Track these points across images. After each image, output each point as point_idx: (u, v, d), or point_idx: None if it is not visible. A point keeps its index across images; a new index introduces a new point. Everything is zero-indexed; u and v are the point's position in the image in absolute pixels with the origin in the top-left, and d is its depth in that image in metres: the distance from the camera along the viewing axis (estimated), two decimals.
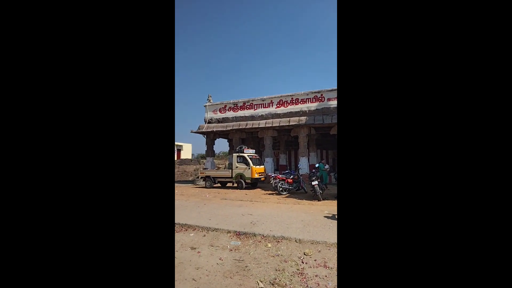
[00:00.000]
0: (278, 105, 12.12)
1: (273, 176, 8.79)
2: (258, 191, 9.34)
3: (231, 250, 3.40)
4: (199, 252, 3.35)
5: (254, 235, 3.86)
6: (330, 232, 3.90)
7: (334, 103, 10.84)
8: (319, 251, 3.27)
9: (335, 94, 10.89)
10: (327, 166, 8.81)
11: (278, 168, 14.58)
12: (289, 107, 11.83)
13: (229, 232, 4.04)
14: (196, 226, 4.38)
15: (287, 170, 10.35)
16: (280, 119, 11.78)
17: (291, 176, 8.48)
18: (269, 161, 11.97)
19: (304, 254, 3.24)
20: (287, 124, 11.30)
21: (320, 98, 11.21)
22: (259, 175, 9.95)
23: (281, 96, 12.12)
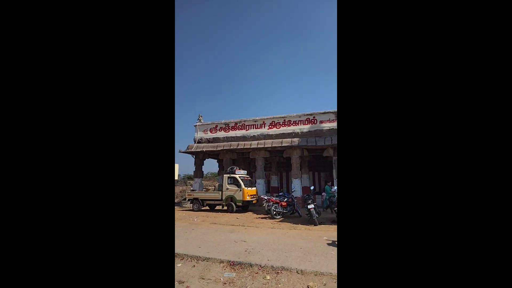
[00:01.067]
0: (270, 126, 12.05)
1: (266, 199, 8.39)
2: (249, 214, 8.85)
3: (225, 283, 2.97)
4: (188, 286, 2.89)
5: (250, 265, 3.44)
6: (333, 261, 3.54)
7: (326, 125, 10.90)
8: (325, 284, 2.90)
9: (327, 116, 11.00)
10: (334, 188, 8.35)
11: (269, 190, 14.16)
12: (282, 128, 11.78)
13: (221, 262, 3.59)
14: (184, 254, 3.90)
15: (280, 192, 9.97)
16: (272, 140, 11.65)
17: (285, 199, 8.12)
18: (260, 182, 11.59)
19: (308, 287, 2.86)
20: (280, 145, 11.16)
21: (313, 120, 11.27)
22: (251, 198, 9.51)
23: (273, 118, 12.10)
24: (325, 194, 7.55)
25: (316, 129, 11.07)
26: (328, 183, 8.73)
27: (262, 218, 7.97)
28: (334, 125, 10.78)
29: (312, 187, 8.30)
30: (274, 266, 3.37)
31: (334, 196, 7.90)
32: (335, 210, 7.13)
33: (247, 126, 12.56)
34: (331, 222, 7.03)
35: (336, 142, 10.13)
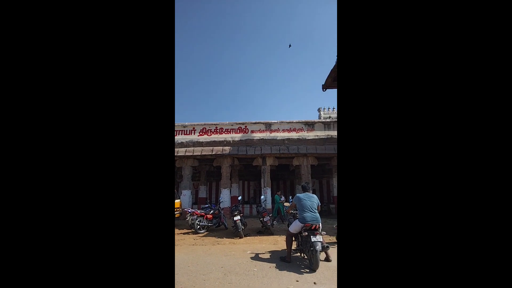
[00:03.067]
0: (201, 133, 11.44)
1: (190, 212, 7.68)
2: None
3: None
4: None
5: None
6: (256, 280, 3.28)
7: (257, 135, 11.07)
8: None
9: (258, 127, 11.21)
10: (283, 198, 8.32)
11: (197, 201, 13.31)
12: (213, 135, 11.34)
13: None
14: None
15: (206, 204, 9.37)
16: (202, 147, 11.04)
17: (211, 211, 7.61)
18: (187, 194, 10.71)
19: None
20: (210, 153, 10.65)
21: (244, 129, 11.28)
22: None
23: (204, 124, 11.56)
24: (275, 204, 7.55)
25: (247, 138, 11.10)
26: (278, 192, 8.66)
27: (184, 233, 7.20)
28: (264, 135, 11.05)
29: (240, 197, 8.08)
30: None
31: (260, 206, 7.86)
32: (261, 220, 7.06)
33: (175, 132, 11.58)
34: (257, 233, 6.92)
35: (265, 152, 10.35)
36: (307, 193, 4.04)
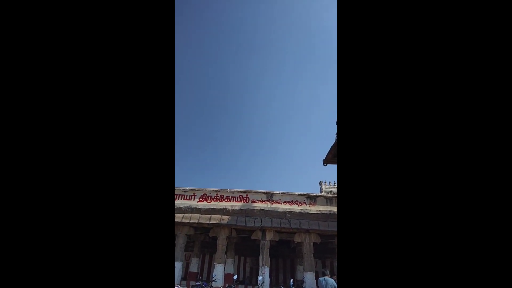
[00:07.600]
0: (200, 199, 11.24)
1: None
2: None
3: None
4: None
5: None
6: None
7: (258, 205, 10.82)
8: None
9: (259, 196, 11.07)
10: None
11: (186, 276, 11.92)
12: (213, 202, 11.10)
13: None
14: None
15: (197, 281, 8.38)
16: (200, 215, 10.65)
17: None
18: (177, 266, 9.70)
19: None
20: (208, 221, 10.20)
21: (245, 198, 11.11)
22: None
23: (205, 190, 11.48)
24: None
25: (247, 208, 10.82)
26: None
27: None
28: (265, 206, 10.80)
29: (235, 277, 7.30)
30: None
31: None
32: None
33: (176, 196, 11.42)
34: None
35: (265, 224, 9.89)
36: (326, 277, 4.39)
